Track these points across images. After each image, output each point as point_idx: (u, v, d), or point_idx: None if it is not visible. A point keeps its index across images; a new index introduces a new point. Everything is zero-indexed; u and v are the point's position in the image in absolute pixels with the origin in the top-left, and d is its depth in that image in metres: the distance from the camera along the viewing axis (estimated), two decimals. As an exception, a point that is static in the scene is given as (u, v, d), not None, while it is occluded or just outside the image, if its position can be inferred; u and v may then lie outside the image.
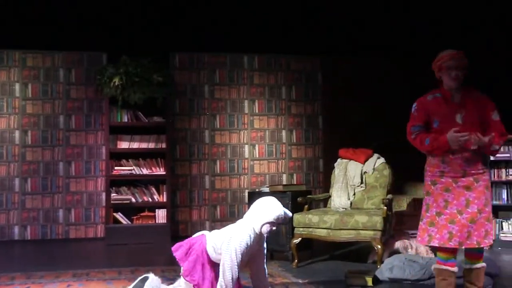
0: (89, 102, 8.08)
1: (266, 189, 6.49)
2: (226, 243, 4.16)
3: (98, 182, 7.99)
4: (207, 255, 4.27)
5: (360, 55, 8.48)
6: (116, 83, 7.51)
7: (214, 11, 7.93)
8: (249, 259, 4.33)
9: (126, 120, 7.86)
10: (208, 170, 8.29)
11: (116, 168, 7.80)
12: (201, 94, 8.39)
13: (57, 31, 7.76)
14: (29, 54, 8.01)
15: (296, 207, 5.91)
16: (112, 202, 7.68)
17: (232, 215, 8.28)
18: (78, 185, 7.96)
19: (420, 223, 4.05)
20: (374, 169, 6.30)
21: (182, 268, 4.27)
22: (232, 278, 4.11)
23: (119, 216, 7.72)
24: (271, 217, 4.13)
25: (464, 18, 7.69)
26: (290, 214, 4.32)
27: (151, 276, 4.39)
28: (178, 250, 4.31)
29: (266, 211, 4.17)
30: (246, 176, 8.38)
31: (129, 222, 7.73)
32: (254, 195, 5.99)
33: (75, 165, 7.98)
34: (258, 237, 4.26)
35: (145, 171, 7.87)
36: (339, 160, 6.56)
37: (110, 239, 7.52)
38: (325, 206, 6.55)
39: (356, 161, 6.42)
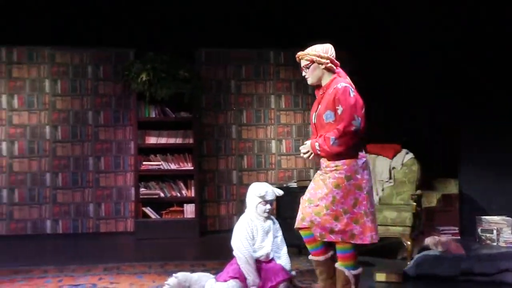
0: (117, 98, 8.17)
1: (294, 184, 6.49)
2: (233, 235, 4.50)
3: (127, 177, 8.08)
4: None
5: (386, 49, 8.39)
6: (144, 79, 7.57)
7: (241, 6, 7.94)
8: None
9: (153, 116, 7.93)
10: (235, 165, 8.33)
11: (144, 163, 7.88)
12: (227, 89, 8.42)
13: (85, 28, 7.86)
14: (58, 51, 8.12)
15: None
16: (141, 196, 7.76)
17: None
18: (108, 180, 8.07)
19: None
20: (402, 164, 6.26)
21: None
22: (249, 264, 4.33)
23: (148, 210, 7.80)
24: (258, 195, 4.46)
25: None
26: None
27: None
28: None
29: (253, 192, 4.52)
30: (273, 171, 8.39)
31: (158, 217, 7.80)
32: (282, 190, 5.98)
33: (105, 160, 8.08)
34: (263, 221, 4.50)
35: (173, 166, 7.93)
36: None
37: (140, 233, 7.61)
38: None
39: (384, 156, 6.39)
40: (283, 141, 8.46)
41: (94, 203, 8.01)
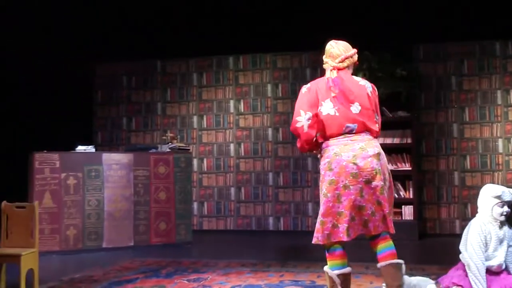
0: (334, 99, 8.30)
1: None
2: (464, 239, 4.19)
3: (344, 177, 8.17)
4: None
5: None
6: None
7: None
8: None
9: (371, 116, 7.88)
10: (457, 166, 7.89)
11: (360, 163, 7.87)
12: (448, 86, 8.01)
13: (301, 32, 8.13)
14: (279, 56, 8.54)
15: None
16: (357, 197, 7.77)
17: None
18: (325, 180, 8.23)
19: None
20: None
21: None
22: (480, 274, 3.99)
23: (365, 211, 7.78)
24: (494, 195, 4.05)
25: None
26: None
27: None
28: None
29: (487, 193, 4.11)
30: (500, 173, 7.76)
31: (375, 217, 7.73)
32: None
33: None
34: (498, 227, 4.11)
35: (390, 167, 7.76)
36: None
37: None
38: None
39: None
40: (512, 139, 7.78)
41: (313, 202, 8.25)
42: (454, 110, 7.95)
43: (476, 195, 7.65)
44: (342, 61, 3.98)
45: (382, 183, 3.80)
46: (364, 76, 7.50)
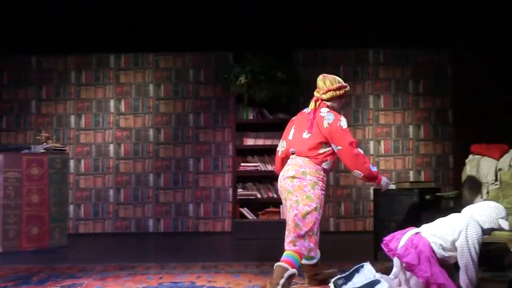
0: (216, 101, 8.36)
1: (393, 186, 6.30)
2: (463, 240, 3.99)
3: (225, 177, 8.25)
4: (435, 253, 4.08)
5: (494, 45, 7.95)
6: (242, 82, 7.68)
7: (336, 6, 7.84)
8: None
9: (251, 118, 8.03)
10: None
11: (242, 164, 7.99)
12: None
13: (186, 33, 8.11)
14: (162, 56, 8.45)
15: (423, 205, 5.68)
16: (238, 197, 7.88)
17: (357, 212, 8.16)
18: (207, 181, 8.27)
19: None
20: (510, 165, 5.88)
21: (417, 271, 4.01)
22: (475, 273, 3.99)
23: (245, 211, 7.91)
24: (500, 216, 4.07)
25: None
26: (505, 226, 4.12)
27: (382, 279, 4.21)
28: (408, 255, 4.04)
29: (494, 214, 4.08)
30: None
31: (255, 217, 7.89)
32: (379, 193, 5.86)
33: (204, 162, 8.30)
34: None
35: (270, 168, 7.98)
36: (470, 156, 6.20)
37: (237, 233, 7.73)
38: (455, 204, 6.23)
39: (490, 157, 6.04)
40: (382, 142, 8.26)
41: (194, 203, 8.24)
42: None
43: (350, 193, 8.15)
44: (325, 93, 4.49)
45: (291, 202, 4.35)
46: (247, 79, 7.64)
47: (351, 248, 7.08)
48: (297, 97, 8.20)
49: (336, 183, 8.22)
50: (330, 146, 4.38)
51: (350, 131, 4.42)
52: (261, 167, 7.98)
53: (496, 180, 5.91)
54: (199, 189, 8.27)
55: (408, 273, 4.09)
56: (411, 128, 8.30)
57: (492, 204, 4.14)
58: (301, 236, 4.28)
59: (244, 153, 8.09)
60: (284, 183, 4.42)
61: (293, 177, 4.36)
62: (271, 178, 8.03)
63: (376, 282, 4.15)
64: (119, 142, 8.34)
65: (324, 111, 4.43)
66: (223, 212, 8.23)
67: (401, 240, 4.11)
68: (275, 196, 7.95)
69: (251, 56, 7.89)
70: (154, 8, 7.91)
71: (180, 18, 8.04)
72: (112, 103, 8.39)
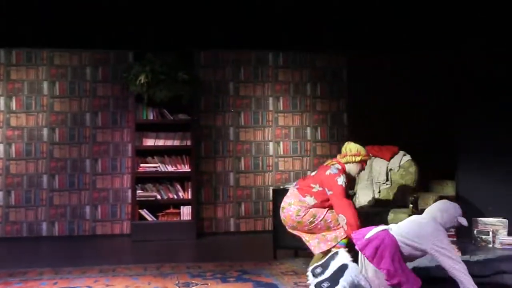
0: (115, 100, 8.16)
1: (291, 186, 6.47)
2: (438, 244, 4.15)
3: (124, 179, 8.08)
4: (401, 252, 4.21)
5: (387, 52, 8.37)
6: (142, 81, 7.56)
7: (238, 7, 7.92)
8: None
9: (151, 118, 7.92)
10: (232, 167, 8.32)
11: (141, 165, 7.86)
12: (226, 91, 8.41)
13: (83, 30, 7.84)
14: (57, 52, 8.12)
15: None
16: (137, 199, 7.75)
17: (256, 212, 8.29)
18: (105, 182, 8.05)
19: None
20: (399, 166, 6.24)
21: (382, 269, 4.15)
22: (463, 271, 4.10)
23: (144, 213, 7.78)
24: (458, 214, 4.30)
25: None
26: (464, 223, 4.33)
27: (350, 264, 4.31)
28: (366, 247, 4.21)
29: (453, 212, 4.29)
30: (270, 174, 8.38)
31: (155, 219, 7.78)
32: (278, 192, 6.00)
33: (102, 162, 8.07)
34: None
35: (170, 168, 7.92)
36: (364, 157, 6.50)
37: (136, 236, 7.59)
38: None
39: (381, 158, 6.37)
40: (281, 143, 8.45)
41: (91, 205, 7.99)
42: (231, 114, 8.37)
43: (250, 194, 8.27)
44: (342, 157, 5.19)
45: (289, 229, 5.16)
46: (147, 79, 7.53)
47: (252, 248, 7.19)
48: (198, 98, 8.21)
49: (236, 184, 8.30)
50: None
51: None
52: (161, 168, 7.89)
53: (387, 180, 6.24)
54: (96, 190, 8.03)
55: (368, 263, 4.25)
56: (308, 130, 8.55)
57: (450, 206, 4.34)
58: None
59: (144, 153, 7.97)
60: (281, 212, 5.26)
61: (283, 207, 5.22)
62: (171, 179, 7.97)
63: (345, 266, 4.29)
64: (9, 142, 7.92)
65: (334, 165, 5.10)
66: (122, 214, 8.05)
67: (367, 234, 4.27)
68: (175, 197, 7.90)
69: (151, 55, 7.78)
70: (48, 2, 7.59)
71: (77, 15, 7.75)
72: (2, 100, 7.94)
